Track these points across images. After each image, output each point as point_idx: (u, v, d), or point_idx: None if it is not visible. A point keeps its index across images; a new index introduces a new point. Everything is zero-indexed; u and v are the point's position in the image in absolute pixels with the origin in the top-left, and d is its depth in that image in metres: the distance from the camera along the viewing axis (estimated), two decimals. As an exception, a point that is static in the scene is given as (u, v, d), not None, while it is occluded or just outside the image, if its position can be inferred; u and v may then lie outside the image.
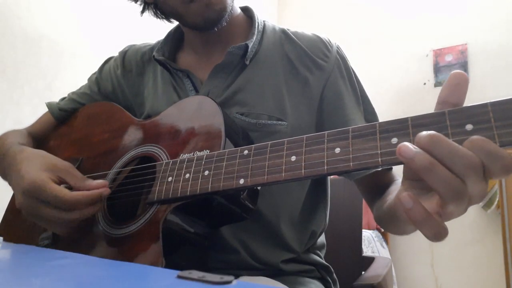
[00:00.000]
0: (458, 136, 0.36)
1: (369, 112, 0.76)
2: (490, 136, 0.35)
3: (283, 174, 0.45)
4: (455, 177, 0.34)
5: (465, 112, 0.36)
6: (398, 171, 0.47)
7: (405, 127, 0.39)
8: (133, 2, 0.82)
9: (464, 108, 0.37)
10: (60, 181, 0.60)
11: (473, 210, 2.46)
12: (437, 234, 0.36)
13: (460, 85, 0.38)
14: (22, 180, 0.58)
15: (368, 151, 0.40)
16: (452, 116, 0.37)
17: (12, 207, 0.78)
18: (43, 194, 0.56)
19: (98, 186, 0.59)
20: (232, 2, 0.74)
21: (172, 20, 0.83)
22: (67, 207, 0.56)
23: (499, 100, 0.35)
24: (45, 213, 0.57)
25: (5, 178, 0.73)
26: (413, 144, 0.35)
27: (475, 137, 0.34)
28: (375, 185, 0.70)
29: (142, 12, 0.83)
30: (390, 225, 0.59)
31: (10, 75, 1.63)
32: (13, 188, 0.63)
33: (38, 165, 0.60)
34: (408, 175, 0.43)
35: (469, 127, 0.36)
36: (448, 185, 0.34)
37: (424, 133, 0.34)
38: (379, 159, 0.39)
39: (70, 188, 0.60)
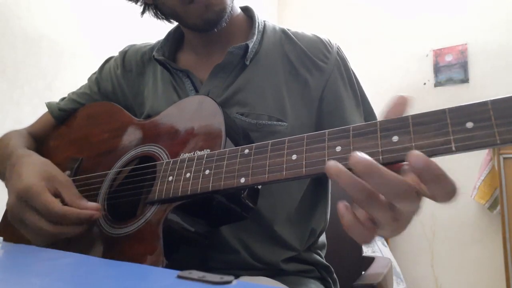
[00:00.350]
0: (459, 134, 0.36)
1: (369, 113, 0.76)
2: (491, 134, 0.35)
3: (284, 173, 0.45)
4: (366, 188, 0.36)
5: (465, 110, 0.37)
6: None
7: (406, 125, 0.39)
8: (133, 3, 0.82)
9: (465, 106, 0.37)
10: (56, 194, 0.59)
11: (474, 210, 2.46)
12: (363, 241, 0.39)
13: (400, 106, 0.41)
14: (20, 182, 0.58)
15: (369, 149, 0.40)
16: (453, 114, 0.37)
17: None
18: (35, 201, 0.56)
19: (91, 207, 0.58)
20: (232, 2, 0.74)
21: (172, 20, 0.83)
22: (53, 219, 0.56)
23: (499, 98, 0.35)
24: (30, 220, 0.56)
25: (3, 177, 0.73)
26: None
27: (423, 158, 0.34)
28: None
29: (143, 13, 0.83)
30: None
31: (10, 75, 1.63)
32: (9, 188, 0.63)
33: (39, 172, 0.60)
34: None
35: (469, 124, 0.36)
36: (360, 196, 0.36)
37: (358, 158, 0.35)
38: (380, 157, 0.39)
39: (64, 203, 0.59)
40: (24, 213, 0.57)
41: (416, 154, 0.34)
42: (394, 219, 0.38)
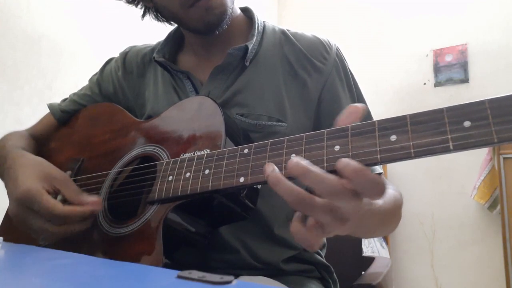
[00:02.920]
0: (456, 133, 0.36)
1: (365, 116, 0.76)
2: (488, 133, 0.35)
3: (283, 172, 0.45)
4: (304, 193, 0.38)
5: (463, 109, 0.37)
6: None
7: (404, 125, 0.39)
8: (133, 6, 0.82)
9: (462, 105, 0.37)
10: (55, 192, 0.59)
11: (474, 210, 2.46)
12: (308, 246, 0.40)
13: (352, 115, 0.43)
14: (17, 187, 0.58)
15: (367, 148, 0.40)
16: (450, 113, 0.37)
17: None
18: (36, 205, 0.56)
19: (92, 202, 0.58)
20: (232, 4, 0.74)
21: (172, 22, 0.83)
22: (57, 221, 0.56)
23: (497, 97, 0.36)
24: (34, 224, 0.57)
25: (2, 179, 0.73)
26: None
27: (354, 164, 0.37)
28: None
29: (143, 15, 0.83)
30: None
31: (10, 75, 1.63)
32: (8, 194, 0.63)
33: (35, 173, 0.60)
34: None
35: (467, 124, 0.36)
36: (296, 201, 0.38)
37: (293, 160, 0.38)
38: (378, 156, 0.39)
39: (64, 200, 0.60)
40: (27, 217, 0.57)
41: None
42: (339, 219, 0.39)
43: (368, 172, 0.37)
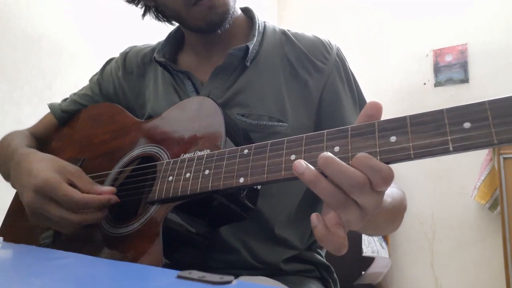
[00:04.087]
0: (456, 134, 0.36)
1: None
2: (488, 134, 0.35)
3: (283, 173, 0.45)
4: (338, 189, 0.39)
5: (463, 110, 0.37)
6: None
7: (404, 126, 0.39)
8: (134, 6, 0.82)
9: (462, 107, 0.37)
10: (70, 184, 0.60)
11: (474, 210, 2.46)
12: (336, 249, 0.40)
13: (374, 117, 0.42)
14: (34, 178, 0.58)
15: (367, 149, 0.40)
16: (450, 114, 0.37)
17: (13, 209, 0.78)
18: (55, 193, 0.56)
19: (108, 191, 0.59)
20: (234, 4, 0.74)
21: (173, 22, 0.83)
22: (75, 208, 0.56)
23: (497, 98, 0.36)
24: (52, 212, 0.57)
25: (7, 177, 0.73)
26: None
27: (359, 154, 0.39)
28: None
29: (143, 15, 0.83)
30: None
31: (10, 75, 1.63)
32: (21, 186, 0.63)
33: (49, 166, 0.61)
34: None
35: (467, 125, 0.36)
36: (330, 197, 0.39)
37: (321, 154, 0.39)
38: (378, 157, 0.39)
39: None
40: (45, 206, 0.57)
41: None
42: (361, 217, 0.40)
43: (372, 159, 0.38)
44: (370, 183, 0.38)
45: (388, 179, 0.38)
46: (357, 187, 0.38)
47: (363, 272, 0.89)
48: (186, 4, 0.68)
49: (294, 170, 0.40)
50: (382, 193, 0.41)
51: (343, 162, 0.38)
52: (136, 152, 0.68)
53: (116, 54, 0.92)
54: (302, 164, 0.40)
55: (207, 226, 0.62)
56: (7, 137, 0.83)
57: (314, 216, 0.40)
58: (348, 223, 0.40)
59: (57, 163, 0.62)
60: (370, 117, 0.42)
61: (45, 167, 0.60)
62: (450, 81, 2.65)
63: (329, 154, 0.39)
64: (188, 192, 0.53)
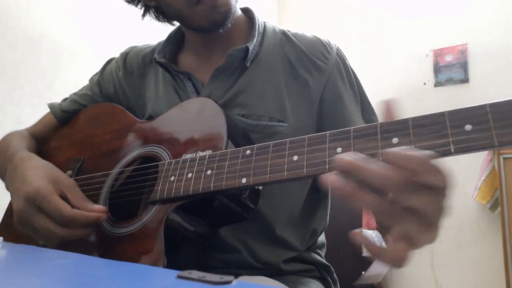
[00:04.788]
0: (457, 136, 0.36)
1: (369, 113, 0.76)
2: (489, 136, 0.35)
3: (285, 174, 0.45)
4: (377, 196, 0.35)
5: (464, 113, 0.37)
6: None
7: (406, 128, 0.39)
8: (134, 6, 0.82)
9: (464, 109, 0.37)
10: (62, 196, 0.59)
11: (473, 210, 2.46)
12: (397, 263, 0.36)
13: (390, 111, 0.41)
14: (27, 185, 0.58)
15: (369, 151, 0.40)
16: (452, 117, 0.37)
17: (11, 210, 0.78)
18: (45, 204, 0.56)
19: (97, 210, 0.58)
20: (236, 3, 0.74)
21: (173, 22, 0.83)
22: (62, 222, 0.56)
23: (498, 101, 0.36)
24: (39, 223, 0.56)
25: (3, 178, 0.73)
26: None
27: (389, 149, 0.35)
28: None
29: (143, 15, 0.83)
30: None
31: (10, 75, 1.63)
32: (13, 192, 0.63)
33: (44, 175, 0.60)
34: None
35: (468, 127, 0.36)
36: (370, 205, 0.35)
37: (344, 157, 0.35)
38: (380, 159, 0.39)
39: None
40: (33, 216, 0.57)
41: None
42: (423, 224, 0.36)
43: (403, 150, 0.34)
44: (413, 179, 0.34)
45: (427, 165, 0.34)
46: (396, 185, 0.34)
47: (363, 272, 0.89)
48: (189, 3, 0.68)
49: (327, 182, 0.36)
50: (442, 191, 0.35)
51: (367, 163, 0.34)
52: (137, 152, 0.68)
53: (116, 54, 0.92)
54: (332, 178, 0.36)
55: (208, 226, 0.62)
56: (6, 138, 0.83)
57: (356, 236, 0.37)
58: (410, 234, 0.36)
59: (53, 173, 0.62)
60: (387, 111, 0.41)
61: (40, 175, 0.60)
62: (450, 81, 2.65)
63: (346, 157, 0.35)
64: (190, 192, 0.53)
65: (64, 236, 0.56)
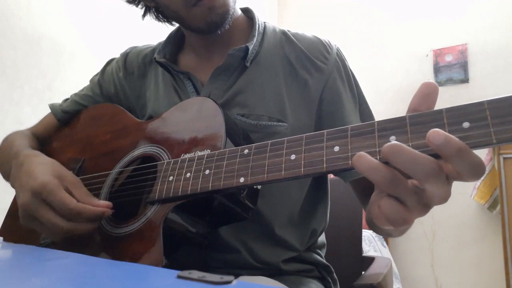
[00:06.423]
0: (455, 133, 0.36)
1: (366, 114, 0.77)
2: (487, 134, 0.35)
3: (283, 173, 0.45)
4: (401, 178, 0.36)
5: (462, 110, 0.37)
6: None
7: (403, 125, 0.39)
8: (134, 6, 0.82)
9: (461, 106, 0.37)
10: (67, 192, 0.59)
11: (473, 210, 2.46)
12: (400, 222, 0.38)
13: (431, 95, 0.39)
14: (33, 179, 0.58)
15: (367, 149, 0.40)
16: (449, 114, 0.37)
17: (14, 209, 0.78)
18: (51, 197, 0.56)
19: (103, 205, 0.59)
20: (234, 4, 0.74)
21: (173, 22, 0.83)
22: (68, 216, 0.56)
23: (496, 98, 0.36)
24: (45, 216, 0.57)
25: (7, 177, 0.73)
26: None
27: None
28: (369, 187, 0.70)
29: (144, 15, 0.83)
30: (375, 228, 0.65)
31: (10, 75, 1.63)
32: (18, 187, 0.63)
33: (50, 171, 0.60)
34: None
35: (466, 124, 0.36)
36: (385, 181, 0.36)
37: (387, 144, 0.36)
38: (378, 157, 0.39)
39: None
40: (39, 210, 0.57)
41: (434, 131, 0.34)
42: (423, 204, 0.38)
43: (471, 152, 0.34)
44: (448, 175, 0.35)
45: (480, 168, 0.34)
46: (432, 176, 0.35)
47: (363, 272, 0.89)
48: (186, 4, 0.68)
49: (355, 166, 0.37)
50: (450, 184, 0.37)
51: (410, 149, 0.35)
52: (136, 152, 0.68)
53: (116, 54, 0.92)
54: (368, 158, 0.37)
55: (207, 226, 0.62)
56: (8, 137, 0.83)
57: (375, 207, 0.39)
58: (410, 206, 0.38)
59: (58, 169, 0.62)
60: (428, 96, 0.39)
61: (46, 170, 0.60)
62: (450, 81, 2.65)
63: (396, 142, 0.36)
64: (189, 192, 0.53)
65: (69, 230, 0.57)
